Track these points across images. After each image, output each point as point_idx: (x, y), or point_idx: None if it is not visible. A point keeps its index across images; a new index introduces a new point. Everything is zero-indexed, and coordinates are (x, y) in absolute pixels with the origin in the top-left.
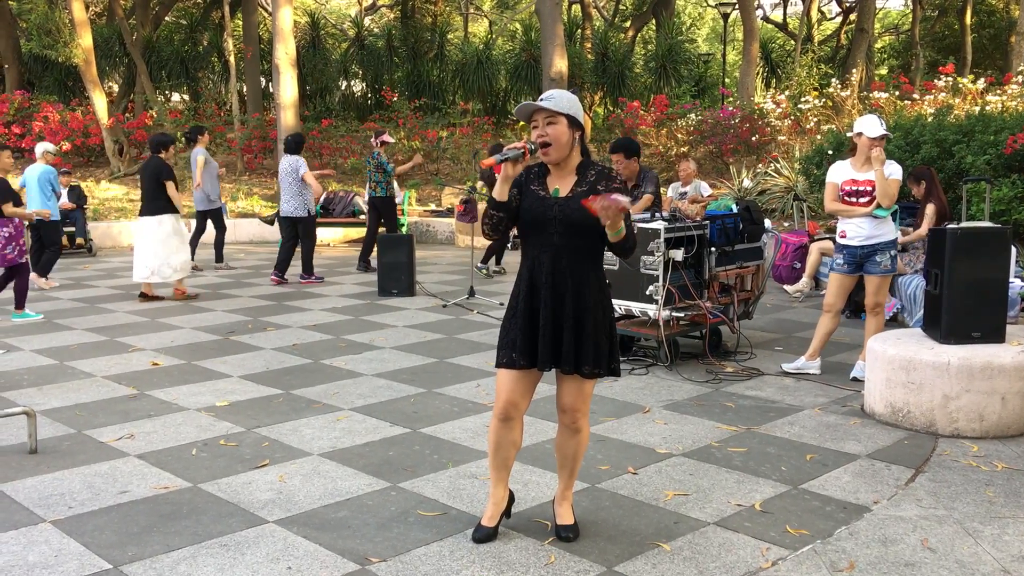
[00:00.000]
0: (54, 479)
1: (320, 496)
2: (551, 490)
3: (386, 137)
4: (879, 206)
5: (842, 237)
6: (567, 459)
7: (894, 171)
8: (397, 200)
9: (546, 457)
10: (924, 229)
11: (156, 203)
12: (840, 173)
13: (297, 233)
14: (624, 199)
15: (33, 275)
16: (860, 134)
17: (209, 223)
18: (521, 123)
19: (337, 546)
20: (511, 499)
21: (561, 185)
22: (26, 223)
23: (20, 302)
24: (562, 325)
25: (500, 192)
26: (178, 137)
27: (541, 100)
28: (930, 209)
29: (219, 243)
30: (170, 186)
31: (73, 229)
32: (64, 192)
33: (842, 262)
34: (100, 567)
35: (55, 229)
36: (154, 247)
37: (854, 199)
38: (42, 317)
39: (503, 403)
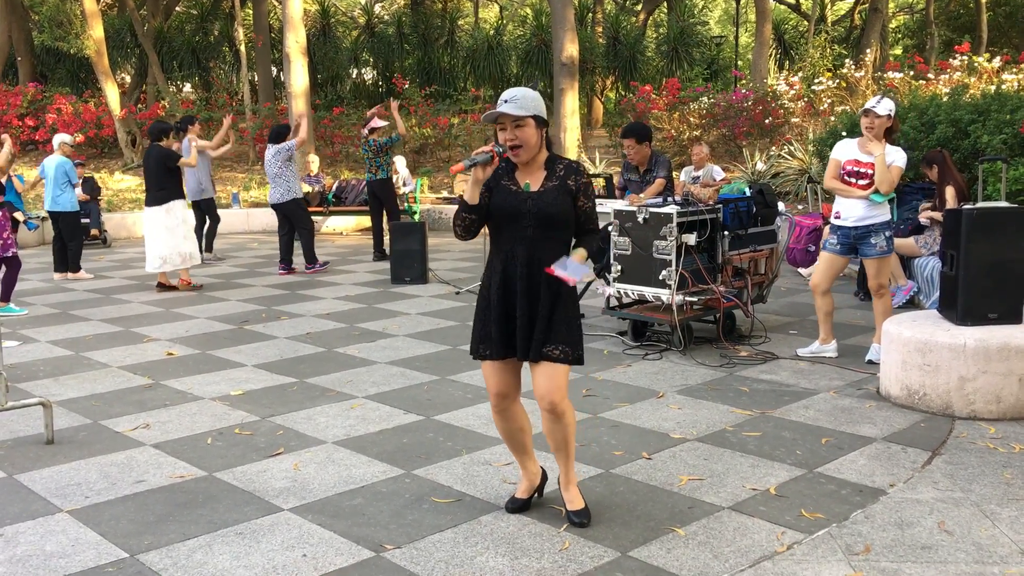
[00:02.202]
0: (71, 469)
1: (335, 484)
2: None
3: (375, 123)
4: (877, 191)
5: (836, 218)
6: (559, 443)
7: (897, 158)
8: (409, 188)
9: None
10: (937, 213)
11: (162, 191)
12: (844, 151)
13: (290, 222)
14: (575, 277)
15: (70, 274)
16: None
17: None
18: None
19: (352, 533)
20: (544, 477)
21: (531, 180)
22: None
23: (5, 295)
24: (535, 315)
25: (471, 195)
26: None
27: (505, 102)
28: (950, 192)
29: (211, 233)
30: (182, 162)
31: (87, 221)
32: (78, 183)
33: (835, 242)
34: (117, 556)
35: (73, 222)
36: (164, 236)
37: (854, 180)
38: (26, 312)
39: (493, 396)
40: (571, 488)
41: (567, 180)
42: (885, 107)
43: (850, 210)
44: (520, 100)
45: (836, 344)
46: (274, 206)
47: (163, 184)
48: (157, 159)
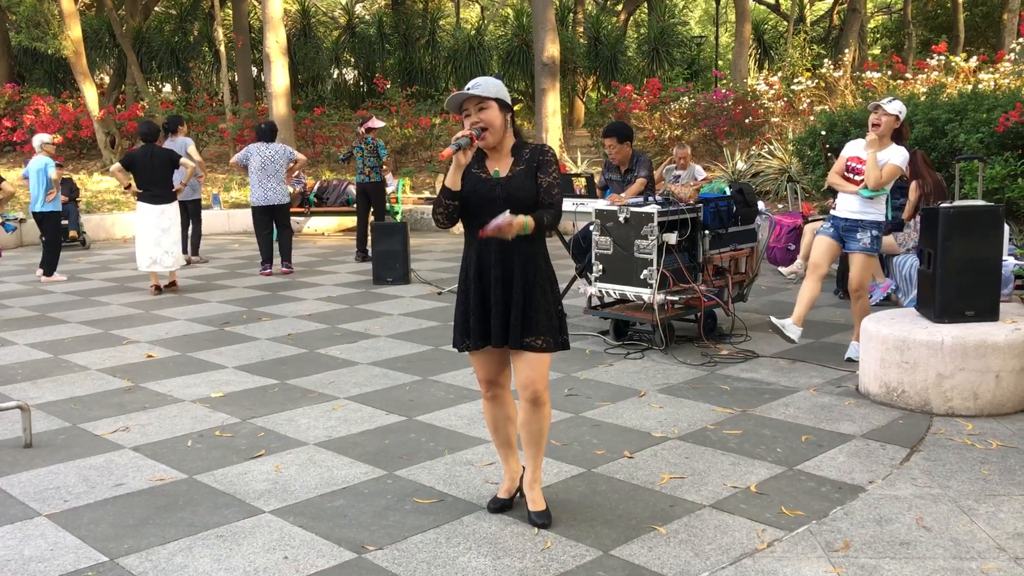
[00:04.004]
0: (49, 473)
1: (316, 485)
2: (548, 475)
3: (373, 123)
4: (866, 186)
5: (832, 208)
6: (533, 436)
7: (892, 156)
8: (391, 188)
9: None
10: (906, 213)
11: (168, 190)
12: (851, 149)
13: (274, 222)
14: (503, 219)
15: (44, 277)
16: None
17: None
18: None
19: (333, 535)
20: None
21: (500, 167)
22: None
23: None
24: (510, 302)
25: (453, 181)
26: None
27: (468, 89)
28: (912, 187)
29: (197, 235)
30: (186, 162)
31: (66, 222)
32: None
33: (828, 226)
34: (96, 560)
35: (52, 223)
36: (159, 235)
37: (851, 175)
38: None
39: (483, 384)
40: (535, 488)
41: (532, 162)
42: (895, 107)
43: (843, 203)
44: (483, 85)
45: (801, 331)
46: (272, 207)
47: (170, 183)
48: (165, 157)
